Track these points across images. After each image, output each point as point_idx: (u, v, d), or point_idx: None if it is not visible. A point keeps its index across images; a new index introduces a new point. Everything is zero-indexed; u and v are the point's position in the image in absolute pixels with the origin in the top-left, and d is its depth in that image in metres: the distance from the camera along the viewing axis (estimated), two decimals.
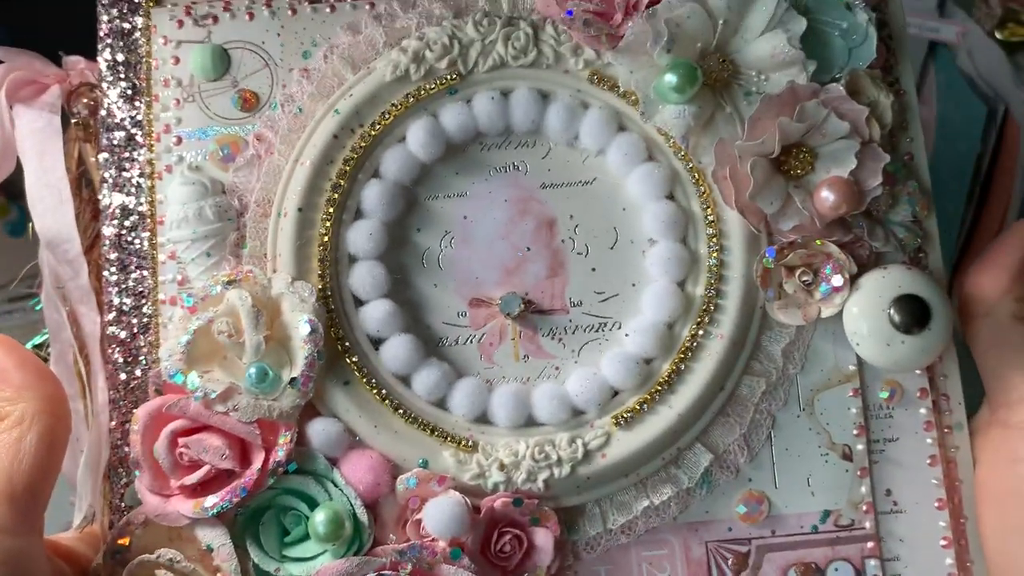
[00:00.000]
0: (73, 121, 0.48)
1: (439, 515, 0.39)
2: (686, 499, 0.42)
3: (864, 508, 0.42)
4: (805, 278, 0.42)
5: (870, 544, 0.42)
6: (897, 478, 0.43)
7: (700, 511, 0.42)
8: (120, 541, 0.41)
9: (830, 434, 0.43)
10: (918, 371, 0.43)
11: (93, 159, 0.48)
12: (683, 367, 0.42)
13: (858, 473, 0.42)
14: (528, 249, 0.44)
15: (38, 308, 0.51)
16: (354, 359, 0.42)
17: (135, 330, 0.44)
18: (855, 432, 0.43)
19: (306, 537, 0.40)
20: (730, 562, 0.42)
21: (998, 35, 0.73)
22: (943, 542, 0.42)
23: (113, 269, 0.44)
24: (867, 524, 0.42)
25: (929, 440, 0.43)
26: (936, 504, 0.43)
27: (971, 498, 0.42)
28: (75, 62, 0.49)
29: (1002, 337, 0.42)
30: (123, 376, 0.44)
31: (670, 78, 0.41)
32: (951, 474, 0.43)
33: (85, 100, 0.48)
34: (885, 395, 0.43)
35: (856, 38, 0.43)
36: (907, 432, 0.43)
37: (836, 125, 0.41)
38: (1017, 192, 0.69)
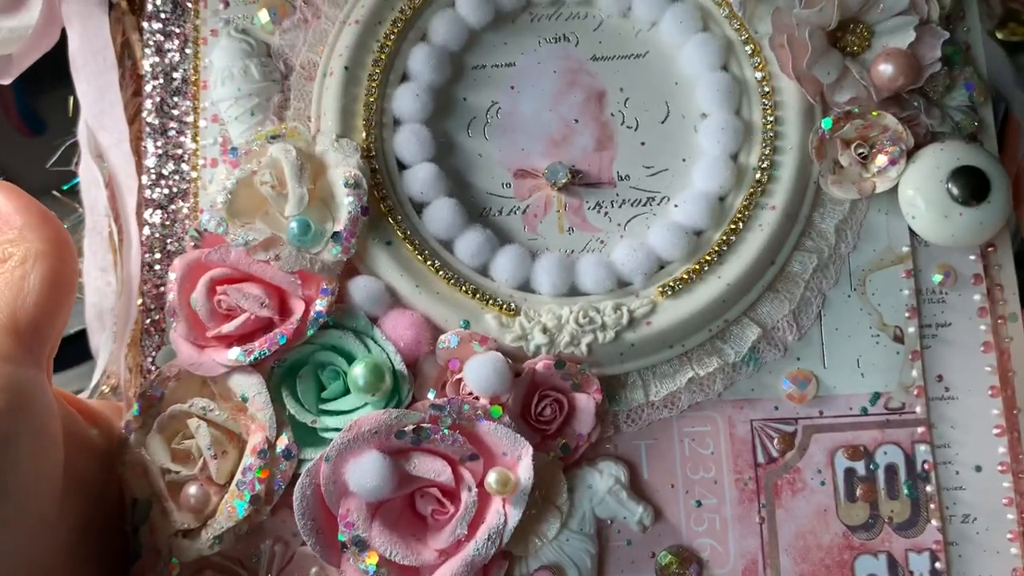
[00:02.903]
0: None
1: (480, 370, 0.38)
2: (732, 375, 0.41)
3: (915, 392, 0.41)
4: (861, 151, 0.41)
5: (920, 429, 0.41)
6: (949, 363, 0.41)
7: (746, 388, 0.41)
8: (151, 395, 0.40)
9: (881, 315, 0.41)
10: (972, 257, 0.42)
11: (135, 33, 0.47)
12: (734, 238, 0.41)
13: (909, 356, 0.41)
14: (576, 121, 0.43)
15: (66, 188, 0.50)
16: (398, 218, 0.41)
17: (174, 193, 0.43)
18: (907, 315, 0.41)
19: (344, 393, 0.39)
20: (775, 441, 0.41)
21: (998, 35, 0.71)
22: (996, 430, 0.41)
23: (155, 134, 0.44)
24: (918, 408, 0.41)
25: (983, 327, 0.42)
26: (989, 392, 0.41)
27: None
28: None
29: None
30: (159, 238, 0.43)
31: None
32: (1005, 364, 0.42)
33: None
34: (939, 278, 0.42)
35: None
36: (960, 317, 0.42)
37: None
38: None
